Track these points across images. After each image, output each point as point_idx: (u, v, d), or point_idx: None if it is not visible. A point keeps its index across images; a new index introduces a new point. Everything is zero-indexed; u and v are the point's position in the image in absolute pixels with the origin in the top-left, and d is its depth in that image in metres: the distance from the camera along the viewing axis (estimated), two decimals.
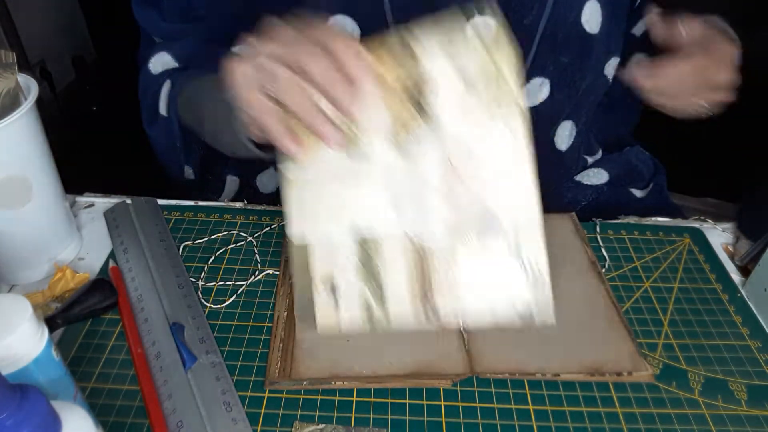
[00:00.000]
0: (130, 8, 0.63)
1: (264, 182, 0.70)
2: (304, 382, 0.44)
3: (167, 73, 0.63)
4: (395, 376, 0.44)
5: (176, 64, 0.63)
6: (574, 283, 0.52)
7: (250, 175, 0.71)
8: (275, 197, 0.70)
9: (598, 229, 0.59)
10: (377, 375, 0.44)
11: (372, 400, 0.43)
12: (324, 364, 0.45)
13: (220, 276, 0.53)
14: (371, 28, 0.58)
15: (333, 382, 0.44)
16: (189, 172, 0.67)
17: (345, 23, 0.58)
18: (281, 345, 0.46)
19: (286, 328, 0.48)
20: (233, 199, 0.71)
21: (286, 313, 0.49)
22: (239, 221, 0.59)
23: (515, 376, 0.44)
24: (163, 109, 0.63)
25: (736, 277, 0.55)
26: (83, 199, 0.61)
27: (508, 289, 0.43)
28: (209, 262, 0.54)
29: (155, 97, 0.64)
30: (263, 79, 0.40)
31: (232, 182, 0.71)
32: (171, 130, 0.63)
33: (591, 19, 0.60)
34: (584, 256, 0.54)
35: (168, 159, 0.66)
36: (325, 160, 0.42)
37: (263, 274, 0.53)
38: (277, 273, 0.53)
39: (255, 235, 0.57)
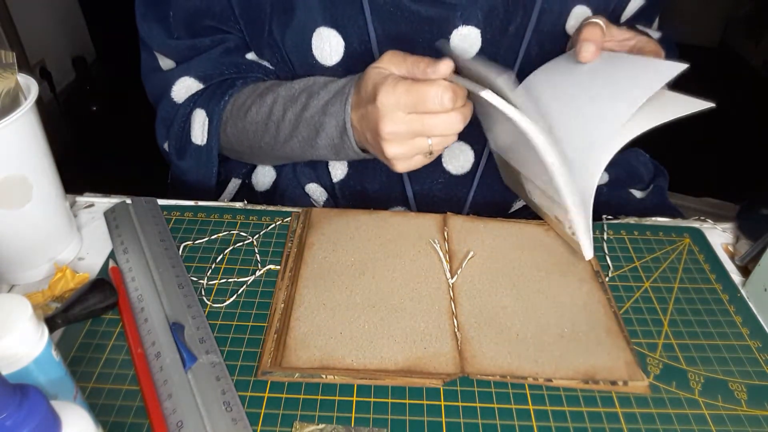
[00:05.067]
0: (130, 8, 0.63)
1: (259, 180, 0.71)
2: (296, 375, 0.44)
3: (193, 100, 0.65)
4: (386, 372, 0.44)
5: (201, 86, 0.65)
6: (576, 292, 0.51)
7: (246, 174, 0.72)
8: (271, 193, 0.70)
9: (605, 227, 0.59)
10: (367, 369, 0.44)
11: (372, 400, 0.43)
12: (315, 354, 0.45)
13: (220, 276, 0.53)
14: (354, 41, 0.59)
15: (324, 376, 0.44)
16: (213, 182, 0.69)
17: (329, 35, 0.58)
18: (275, 336, 0.46)
19: (281, 320, 0.48)
20: (232, 199, 0.71)
21: (283, 305, 0.49)
22: (239, 221, 0.59)
23: (506, 379, 0.44)
24: (197, 138, 0.64)
25: (736, 277, 0.55)
26: (83, 199, 0.61)
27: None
28: (210, 262, 0.54)
29: (184, 127, 0.65)
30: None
31: (234, 184, 0.72)
32: (210, 157, 0.65)
33: (579, 23, 0.60)
34: (588, 265, 0.54)
35: (199, 183, 0.67)
36: None
37: (265, 269, 0.53)
38: (278, 269, 0.53)
39: (255, 236, 0.57)
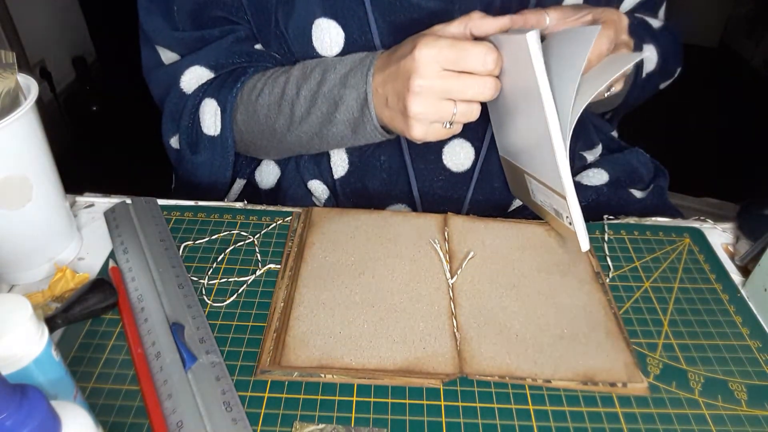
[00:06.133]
0: (130, 8, 0.63)
1: (263, 178, 0.71)
2: (295, 374, 0.44)
3: (202, 90, 0.64)
4: (384, 371, 0.44)
5: (212, 75, 0.64)
6: (576, 293, 0.51)
7: (250, 174, 0.72)
8: (275, 191, 0.70)
9: (605, 227, 0.59)
10: (366, 368, 0.44)
11: (372, 400, 0.43)
12: (314, 353, 0.45)
13: (220, 276, 0.53)
14: (355, 32, 0.59)
15: (323, 375, 0.44)
16: (228, 180, 0.68)
17: (329, 26, 0.58)
18: (275, 335, 0.47)
19: (281, 319, 0.48)
20: (235, 200, 0.71)
21: (282, 304, 0.49)
22: (239, 221, 0.59)
23: (505, 380, 0.44)
24: (210, 129, 0.63)
25: (736, 277, 0.55)
26: (83, 199, 0.61)
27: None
28: (210, 262, 0.54)
29: (194, 119, 0.64)
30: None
31: (238, 184, 0.72)
32: (226, 146, 0.64)
33: None
34: (588, 267, 0.54)
35: (212, 177, 0.66)
36: None
37: (265, 269, 0.53)
38: (278, 268, 0.53)
39: (255, 236, 0.57)
